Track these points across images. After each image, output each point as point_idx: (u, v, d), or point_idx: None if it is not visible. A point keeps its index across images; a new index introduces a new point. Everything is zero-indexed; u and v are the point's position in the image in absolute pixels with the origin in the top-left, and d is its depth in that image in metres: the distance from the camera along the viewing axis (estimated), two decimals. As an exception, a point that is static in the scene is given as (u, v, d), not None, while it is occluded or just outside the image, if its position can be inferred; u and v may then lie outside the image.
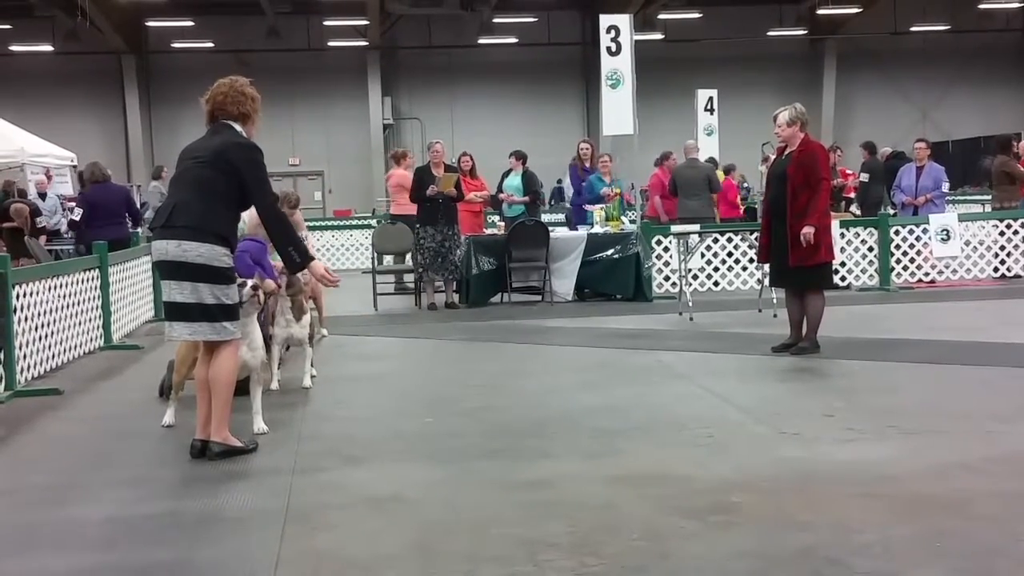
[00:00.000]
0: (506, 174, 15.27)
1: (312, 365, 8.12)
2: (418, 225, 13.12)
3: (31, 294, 8.52)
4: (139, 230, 14.48)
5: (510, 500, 4.92)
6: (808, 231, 8.33)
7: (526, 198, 14.78)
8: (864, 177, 17.32)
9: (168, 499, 5.17)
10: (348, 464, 5.66)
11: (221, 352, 5.82)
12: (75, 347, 9.57)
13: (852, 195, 17.06)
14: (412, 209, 13.46)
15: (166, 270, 5.76)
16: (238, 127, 5.91)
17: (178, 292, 5.70)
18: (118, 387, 8.54)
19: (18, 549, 4.54)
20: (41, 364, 8.68)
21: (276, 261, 9.07)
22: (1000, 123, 32.04)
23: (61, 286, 9.25)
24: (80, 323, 9.72)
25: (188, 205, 5.71)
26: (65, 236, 17.35)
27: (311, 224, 20.76)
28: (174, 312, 5.78)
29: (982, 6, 31.45)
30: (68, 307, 9.41)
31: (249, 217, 7.74)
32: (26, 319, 8.39)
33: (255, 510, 4.90)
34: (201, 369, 5.94)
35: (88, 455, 6.22)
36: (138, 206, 14.38)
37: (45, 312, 8.79)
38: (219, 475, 5.50)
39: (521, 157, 15.01)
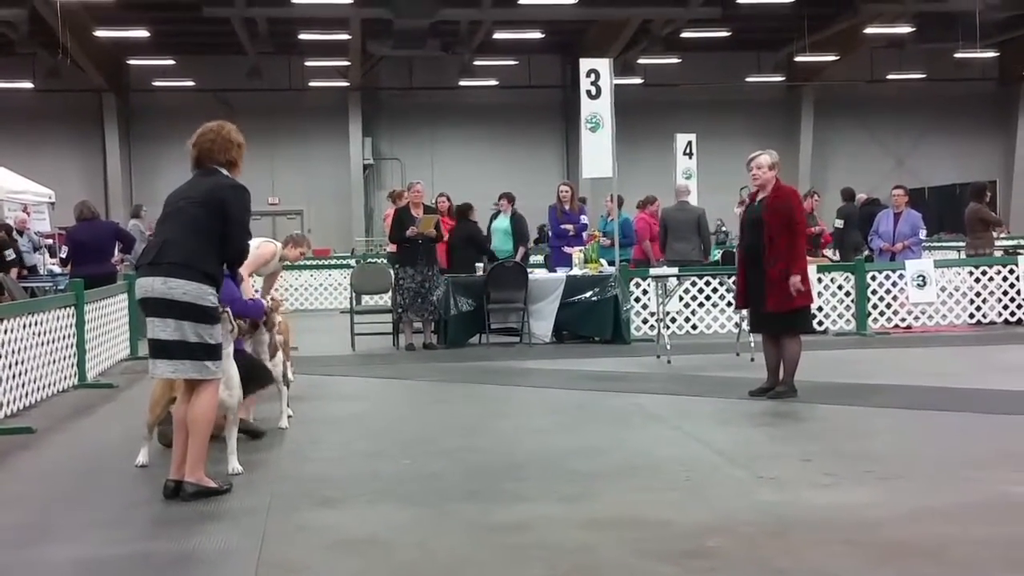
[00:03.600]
0: (494, 216, 15.23)
1: (288, 405, 8.06)
2: (397, 266, 13.11)
3: (5, 331, 8.43)
4: (119, 268, 14.41)
5: (486, 543, 4.88)
6: (795, 280, 8.37)
7: (520, 250, 14.67)
8: (839, 223, 17.44)
9: (141, 540, 5.10)
10: (323, 505, 5.61)
11: (201, 392, 5.78)
12: (49, 385, 9.47)
13: (830, 241, 17.22)
14: None
15: (151, 307, 5.73)
16: (225, 172, 5.95)
17: (162, 329, 5.67)
18: (92, 426, 8.45)
19: (-14, 590, 4.47)
20: (14, 402, 8.57)
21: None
22: (975, 171, 32.41)
23: (36, 323, 9.17)
24: (54, 361, 9.63)
25: (176, 243, 5.71)
26: (42, 274, 17.27)
27: (290, 263, 20.77)
28: (157, 349, 5.74)
29: (958, 55, 31.88)
30: (42, 344, 9.32)
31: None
32: (0, 356, 8.30)
33: (229, 552, 4.85)
34: (180, 408, 5.89)
35: (60, 495, 6.14)
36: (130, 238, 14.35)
37: (19, 350, 8.71)
38: (193, 516, 5.43)
39: (511, 199, 14.98)
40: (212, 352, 5.78)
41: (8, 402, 8.44)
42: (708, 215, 15.32)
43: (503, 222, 14.90)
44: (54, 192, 21.29)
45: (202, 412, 5.76)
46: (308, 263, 22.45)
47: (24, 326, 8.86)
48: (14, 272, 15.37)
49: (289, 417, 7.99)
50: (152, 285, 5.69)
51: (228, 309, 6.20)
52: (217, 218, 5.76)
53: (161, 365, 5.76)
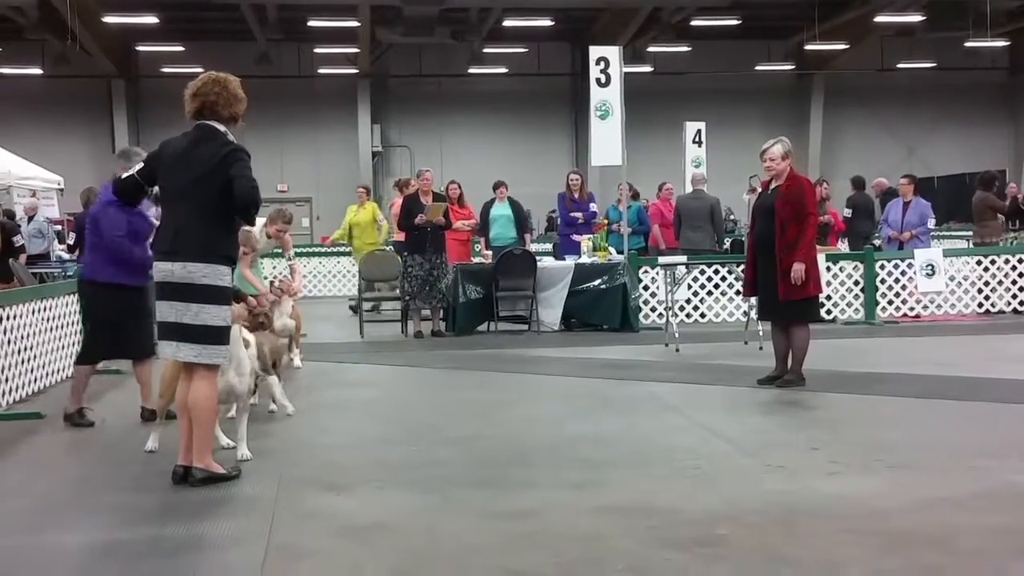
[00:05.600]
0: (489, 204, 15.21)
1: (282, 395, 7.73)
2: (406, 253, 13.10)
3: (14, 317, 8.47)
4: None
5: (494, 530, 4.89)
6: (799, 268, 8.35)
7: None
8: (847, 212, 17.38)
9: (149, 525, 5.12)
10: (331, 492, 5.62)
11: (202, 378, 5.76)
12: (57, 371, 9.50)
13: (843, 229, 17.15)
14: None
15: (170, 290, 5.69)
16: (223, 127, 5.81)
17: (183, 313, 5.65)
18: (100, 412, 8.44)
19: (-4, 574, 4.50)
20: (23, 387, 8.62)
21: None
22: (984, 160, 32.24)
23: (45, 309, 9.20)
24: (63, 347, 9.66)
25: (190, 230, 5.67)
26: (53, 261, 17.30)
27: (298, 251, 20.81)
28: (177, 333, 5.69)
29: (968, 44, 31.74)
30: (51, 330, 9.35)
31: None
32: (9, 342, 8.33)
33: (237, 537, 4.86)
34: (183, 392, 5.87)
35: (68, 480, 6.18)
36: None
37: (28, 335, 8.74)
38: (201, 502, 5.45)
39: (507, 187, 14.97)
40: (227, 336, 5.80)
41: (17, 387, 8.48)
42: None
43: (502, 209, 14.88)
44: (63, 178, 21.31)
45: (204, 398, 5.75)
46: (317, 251, 22.50)
47: (33, 312, 8.89)
48: (23, 258, 15.40)
49: (271, 411, 7.83)
50: (172, 269, 5.67)
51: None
52: (224, 192, 5.65)
53: (184, 349, 5.71)
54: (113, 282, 7.60)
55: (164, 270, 5.71)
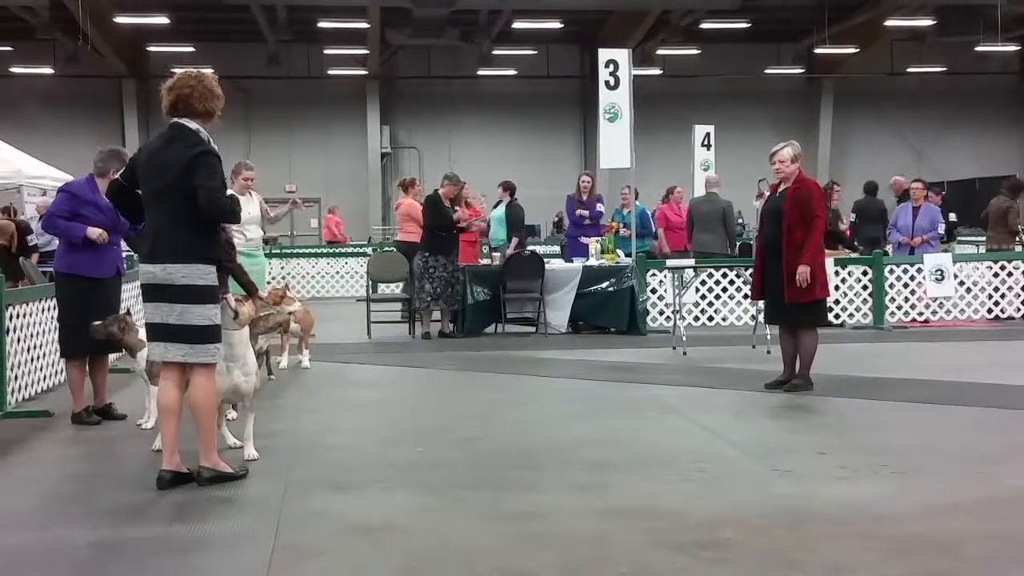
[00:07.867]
0: (497, 205, 15.29)
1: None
2: (427, 254, 12.96)
3: (24, 315, 8.49)
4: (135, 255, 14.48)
5: (499, 531, 4.89)
6: (803, 270, 8.34)
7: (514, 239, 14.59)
8: (852, 217, 17.33)
9: (156, 524, 5.13)
10: (338, 491, 5.63)
11: (200, 377, 5.75)
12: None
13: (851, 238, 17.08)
14: (418, 237, 13.44)
15: (153, 292, 5.70)
16: (196, 125, 5.75)
17: (168, 314, 5.66)
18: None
19: (2, 573, 4.50)
20: (32, 386, 8.64)
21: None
22: (994, 165, 32.19)
23: (54, 307, 9.20)
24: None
25: (168, 233, 5.66)
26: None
27: (306, 251, 20.89)
28: (164, 334, 5.70)
29: (978, 49, 31.68)
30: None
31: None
32: (18, 340, 8.36)
33: (244, 536, 4.87)
34: (167, 393, 5.77)
35: (76, 478, 6.20)
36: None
37: (37, 333, 8.77)
38: (208, 501, 5.46)
39: (508, 188, 14.96)
40: (215, 334, 5.77)
41: (26, 385, 8.51)
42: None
43: (499, 211, 14.93)
44: (73, 178, 21.36)
45: (204, 397, 5.74)
46: (324, 251, 22.52)
47: (42, 310, 8.92)
48: (35, 257, 15.46)
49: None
50: (153, 272, 5.68)
51: (228, 294, 6.19)
52: (195, 198, 5.63)
53: (172, 349, 5.70)
54: (70, 273, 7.66)
55: (147, 272, 5.72)
